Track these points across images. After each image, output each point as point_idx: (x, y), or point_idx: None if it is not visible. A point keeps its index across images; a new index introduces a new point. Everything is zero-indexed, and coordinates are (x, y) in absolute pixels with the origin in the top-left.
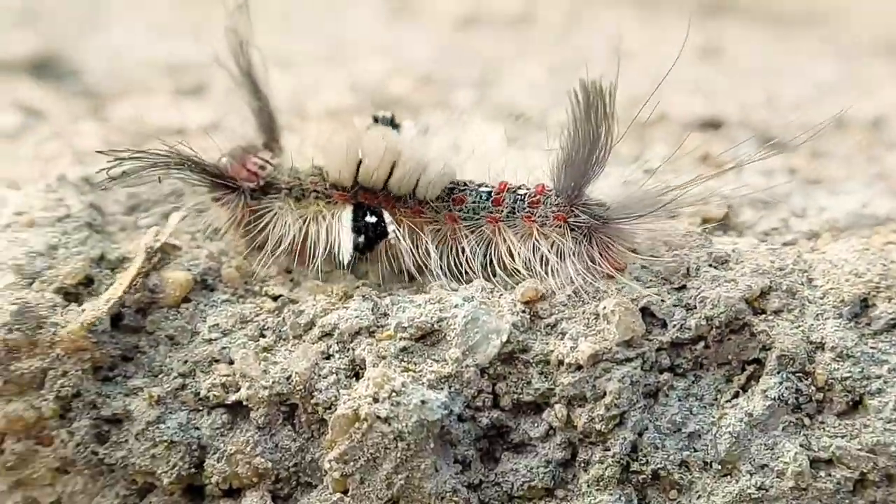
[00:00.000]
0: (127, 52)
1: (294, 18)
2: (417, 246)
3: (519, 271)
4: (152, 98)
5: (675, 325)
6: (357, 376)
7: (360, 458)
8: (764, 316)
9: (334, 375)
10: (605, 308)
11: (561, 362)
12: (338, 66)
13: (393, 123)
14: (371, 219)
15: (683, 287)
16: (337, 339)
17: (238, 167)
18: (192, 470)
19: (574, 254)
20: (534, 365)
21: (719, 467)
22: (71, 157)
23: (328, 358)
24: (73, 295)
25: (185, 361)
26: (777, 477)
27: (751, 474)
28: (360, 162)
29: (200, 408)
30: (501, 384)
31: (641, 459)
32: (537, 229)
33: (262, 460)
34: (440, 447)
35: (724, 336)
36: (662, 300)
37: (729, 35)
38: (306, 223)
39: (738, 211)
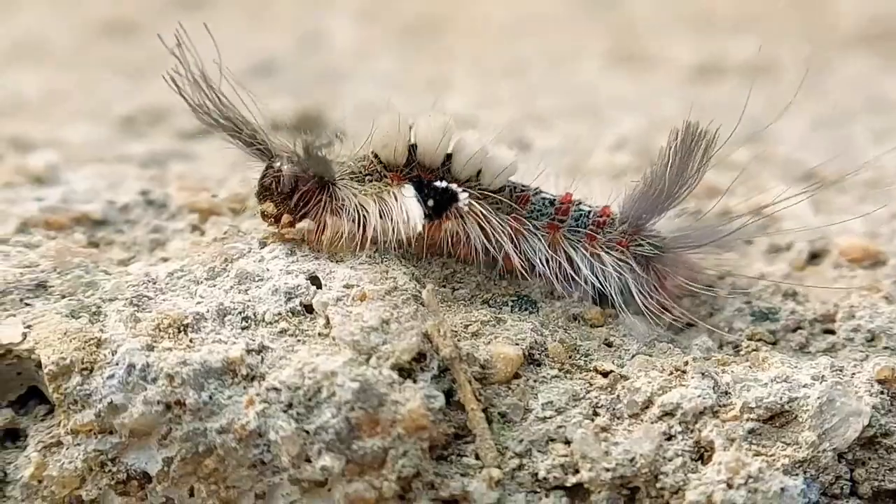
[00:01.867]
0: None
1: (529, 73)
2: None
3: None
4: None
5: None
6: (702, 459)
7: None
8: None
9: (680, 458)
10: None
11: None
12: (592, 121)
13: None
14: (440, 183)
15: None
16: (679, 420)
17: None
18: None
19: (638, 282)
20: None
21: None
22: None
23: (670, 439)
24: (406, 371)
25: (521, 440)
26: None
27: None
28: (413, 144)
29: (538, 489)
30: (860, 470)
31: None
32: (602, 248)
33: None
34: None
35: None
36: None
37: None
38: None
39: None
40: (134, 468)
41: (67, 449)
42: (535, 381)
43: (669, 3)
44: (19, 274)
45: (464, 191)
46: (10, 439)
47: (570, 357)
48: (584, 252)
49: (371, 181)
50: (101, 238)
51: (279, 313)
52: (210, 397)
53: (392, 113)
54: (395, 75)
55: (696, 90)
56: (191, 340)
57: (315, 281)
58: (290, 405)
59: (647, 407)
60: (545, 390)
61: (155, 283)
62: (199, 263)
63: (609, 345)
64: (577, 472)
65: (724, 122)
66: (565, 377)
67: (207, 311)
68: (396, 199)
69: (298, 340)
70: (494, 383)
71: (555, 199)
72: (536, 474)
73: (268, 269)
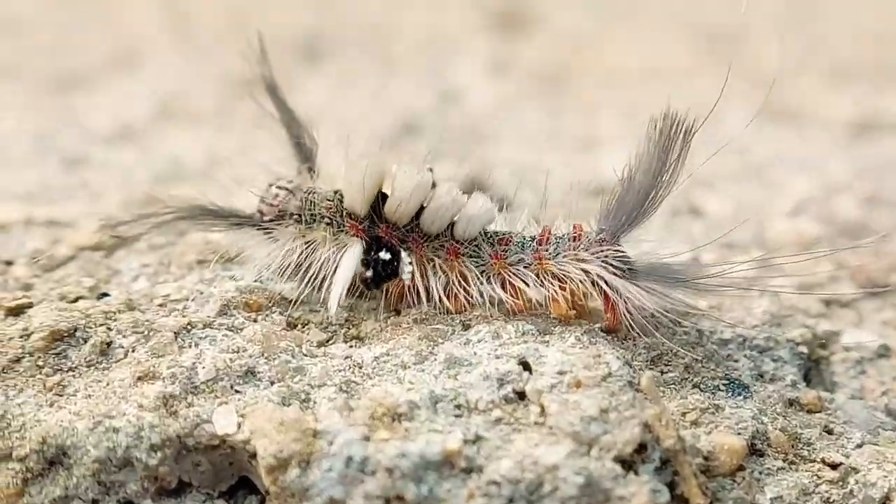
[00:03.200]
0: None
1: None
2: (451, 288)
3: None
4: None
5: None
6: None
7: None
8: None
9: None
10: None
11: None
12: (758, 182)
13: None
14: (385, 255)
15: None
16: None
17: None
18: None
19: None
20: None
21: None
22: None
23: None
24: (628, 463)
25: None
26: None
27: None
28: (381, 192)
29: None
30: None
31: None
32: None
33: None
34: None
35: None
36: None
37: None
38: (309, 249)
39: None
40: None
41: None
42: (760, 473)
43: (803, 55)
44: (229, 360)
45: (410, 263)
46: None
47: (793, 447)
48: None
49: (322, 225)
50: (298, 318)
51: (492, 401)
52: (430, 491)
53: (373, 155)
54: (540, 131)
55: (860, 147)
56: (406, 430)
57: (525, 366)
58: (511, 500)
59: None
60: (772, 483)
61: (361, 368)
62: (404, 347)
63: (829, 432)
64: None
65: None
66: (791, 469)
67: (420, 399)
68: (330, 261)
69: (514, 429)
70: (718, 476)
71: (535, 236)
72: None
73: (475, 353)
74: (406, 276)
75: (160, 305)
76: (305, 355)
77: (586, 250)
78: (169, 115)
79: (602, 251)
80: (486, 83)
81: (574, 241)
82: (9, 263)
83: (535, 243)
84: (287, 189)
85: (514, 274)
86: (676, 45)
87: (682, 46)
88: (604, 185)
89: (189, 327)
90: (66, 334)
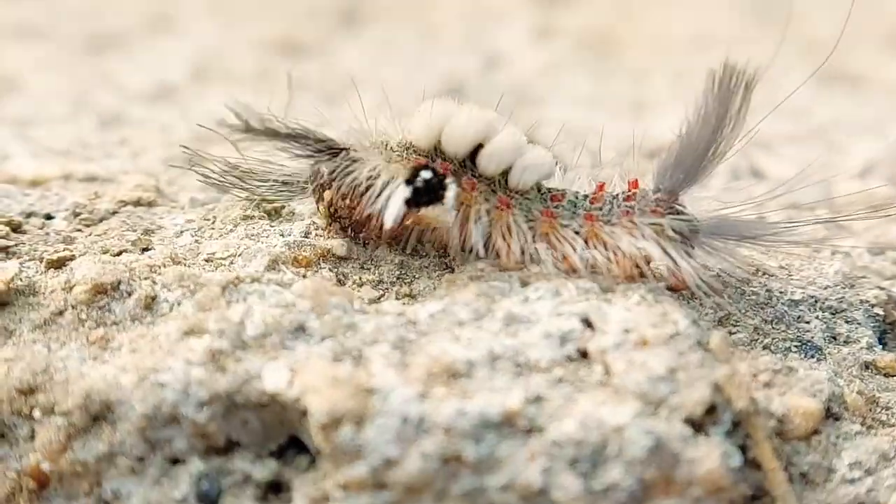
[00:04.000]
0: None
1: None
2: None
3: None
4: None
5: None
6: None
7: None
8: None
9: None
10: None
11: None
12: (821, 145)
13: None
14: (426, 174)
15: None
16: None
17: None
18: None
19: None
20: None
21: None
22: None
23: None
24: (698, 425)
25: None
26: None
27: None
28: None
29: None
30: None
31: None
32: (634, 222)
33: None
34: None
35: None
36: None
37: None
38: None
39: None
40: None
41: None
42: (836, 437)
43: (856, 20)
44: (278, 315)
45: (454, 189)
46: (273, 491)
47: (870, 411)
48: (623, 230)
49: (398, 161)
50: (348, 274)
51: (554, 359)
52: (489, 451)
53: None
54: (589, 95)
55: None
56: (463, 389)
57: (588, 324)
58: (574, 461)
59: None
60: (850, 448)
61: (416, 325)
62: (460, 303)
63: None
64: None
65: None
66: (869, 433)
67: (478, 357)
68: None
69: (577, 389)
70: (793, 440)
71: (588, 194)
72: None
73: (535, 311)
74: (449, 202)
75: (206, 260)
76: (357, 311)
77: (642, 213)
78: (206, 76)
79: (659, 212)
80: (531, 49)
81: (628, 200)
82: (49, 217)
83: (587, 202)
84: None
85: (562, 237)
86: (725, 11)
87: (730, 13)
88: (659, 147)
89: (236, 282)
90: (109, 287)
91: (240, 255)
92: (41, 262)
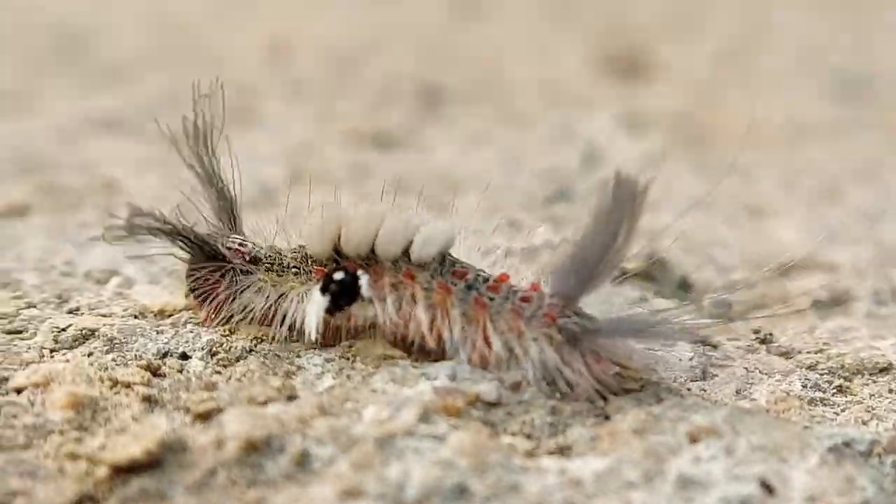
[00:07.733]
0: None
1: (846, 194)
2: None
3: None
4: None
5: None
6: None
7: None
8: None
9: None
10: None
11: None
12: None
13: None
14: (339, 275)
15: None
16: None
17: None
18: None
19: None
20: None
21: None
22: None
23: None
24: None
25: None
26: None
27: None
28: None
29: None
30: None
31: None
32: (523, 324)
33: None
34: None
35: None
36: None
37: None
38: (281, 298)
39: None
40: None
41: None
42: None
43: None
44: (438, 475)
45: (366, 283)
46: None
47: None
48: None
49: (291, 275)
50: (497, 423)
51: None
52: None
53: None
54: (698, 196)
55: None
56: None
57: (767, 488)
58: None
59: None
60: None
61: (581, 486)
62: (627, 462)
63: None
64: None
65: None
66: None
67: None
68: (301, 301)
69: None
70: None
71: (489, 277)
72: None
73: (710, 472)
74: (365, 292)
75: (353, 410)
76: (518, 469)
77: (534, 318)
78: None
79: (552, 316)
80: (624, 139)
81: (524, 301)
82: (184, 357)
83: (485, 286)
84: (248, 242)
85: (446, 309)
86: (811, 91)
87: (817, 93)
88: (788, 262)
89: (390, 437)
90: (261, 444)
91: (389, 403)
92: (187, 412)
